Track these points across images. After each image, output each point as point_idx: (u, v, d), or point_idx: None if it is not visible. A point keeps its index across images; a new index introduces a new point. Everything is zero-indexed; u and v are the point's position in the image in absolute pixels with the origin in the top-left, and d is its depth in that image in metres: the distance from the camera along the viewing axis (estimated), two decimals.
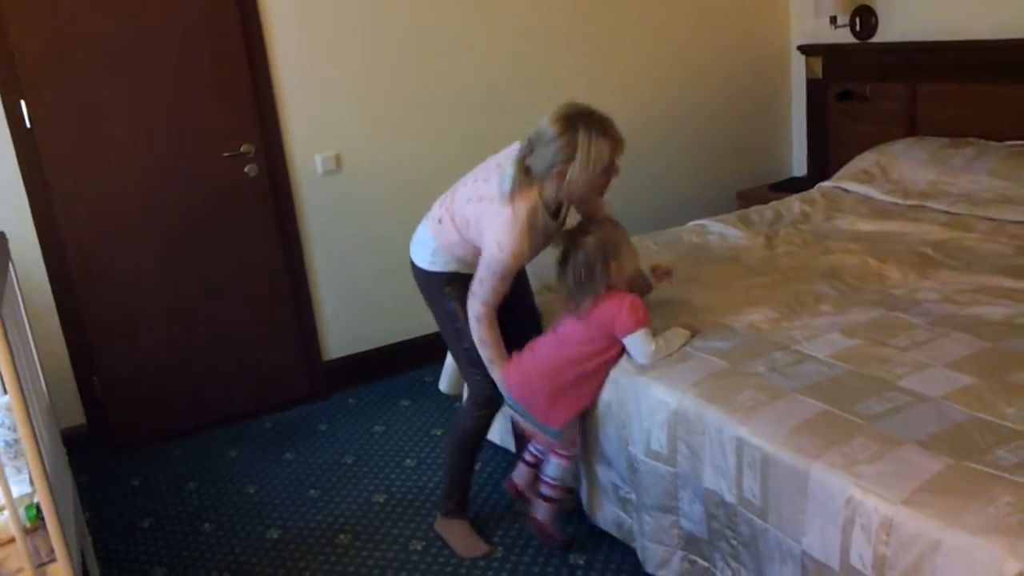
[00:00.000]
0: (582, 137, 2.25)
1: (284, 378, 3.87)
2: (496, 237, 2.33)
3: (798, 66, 4.74)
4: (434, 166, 3.85)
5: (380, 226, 3.89)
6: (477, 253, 2.42)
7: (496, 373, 2.54)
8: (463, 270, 2.53)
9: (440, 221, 2.53)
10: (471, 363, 2.59)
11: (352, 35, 3.70)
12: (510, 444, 3.05)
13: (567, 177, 2.29)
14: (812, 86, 4.63)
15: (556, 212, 2.46)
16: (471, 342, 2.53)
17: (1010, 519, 1.57)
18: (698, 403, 2.20)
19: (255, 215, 3.68)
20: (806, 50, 4.61)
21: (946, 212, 3.45)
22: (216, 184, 3.58)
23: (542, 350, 2.52)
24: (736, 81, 4.74)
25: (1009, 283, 2.69)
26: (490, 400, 2.64)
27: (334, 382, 3.97)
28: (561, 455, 2.55)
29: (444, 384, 3.40)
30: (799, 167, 4.94)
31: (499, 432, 3.13)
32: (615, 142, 2.30)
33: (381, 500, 3.08)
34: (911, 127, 4.15)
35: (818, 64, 4.56)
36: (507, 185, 2.34)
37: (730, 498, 2.09)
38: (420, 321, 3.98)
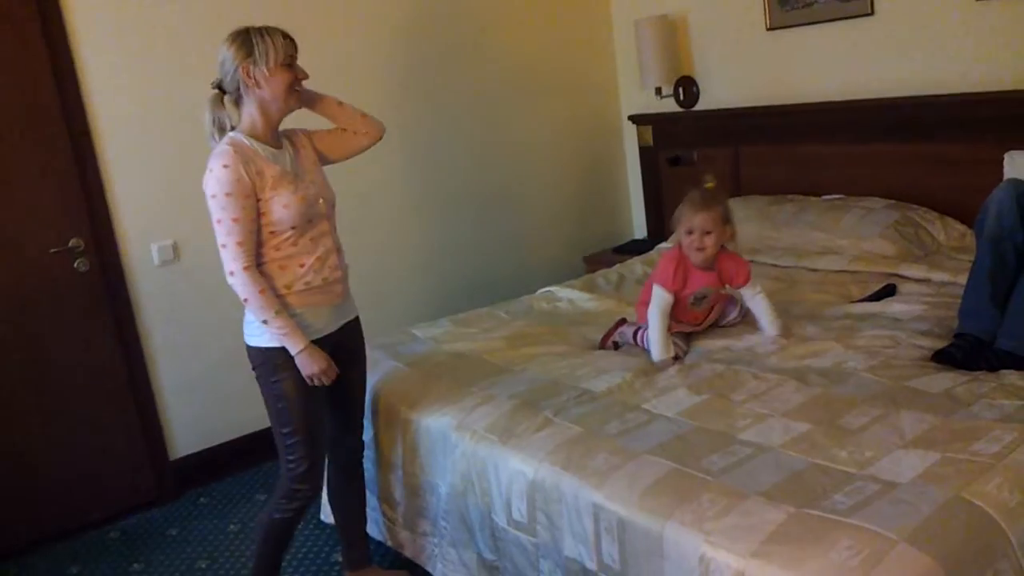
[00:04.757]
0: (254, 36, 2.33)
1: (128, 482, 3.64)
2: (206, 180, 2.29)
3: (631, 135, 4.96)
4: None
5: (224, 315, 3.73)
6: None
7: (284, 337, 2.35)
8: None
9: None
10: (287, 449, 2.48)
11: (186, 117, 3.57)
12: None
13: (254, 77, 2.32)
14: (645, 153, 4.84)
15: (279, 140, 2.45)
16: (291, 426, 2.44)
17: (851, 562, 1.63)
18: (554, 471, 2.22)
19: (89, 312, 3.49)
20: (636, 119, 4.82)
21: (775, 265, 3.65)
22: (44, 282, 3.38)
23: None
24: (575, 151, 4.91)
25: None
26: (297, 493, 2.51)
27: (183, 481, 3.76)
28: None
29: None
30: (640, 230, 5.13)
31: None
32: (286, 36, 2.37)
33: None
34: (737, 187, 4.39)
35: (648, 132, 4.78)
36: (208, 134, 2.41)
37: (591, 565, 2.10)
38: None
